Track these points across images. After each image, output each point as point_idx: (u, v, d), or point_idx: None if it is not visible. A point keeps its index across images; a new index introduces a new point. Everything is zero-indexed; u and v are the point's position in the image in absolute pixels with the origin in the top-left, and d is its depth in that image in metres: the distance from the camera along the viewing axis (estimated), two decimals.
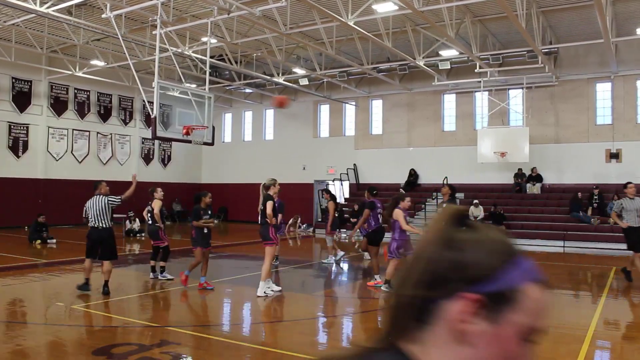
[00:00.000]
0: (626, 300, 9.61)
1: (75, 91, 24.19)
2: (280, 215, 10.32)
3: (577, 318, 7.87)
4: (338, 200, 24.31)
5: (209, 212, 9.65)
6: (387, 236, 12.40)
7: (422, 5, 13.14)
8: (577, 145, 20.61)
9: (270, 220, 8.69)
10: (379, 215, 10.00)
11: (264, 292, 8.79)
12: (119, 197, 9.09)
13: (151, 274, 10.44)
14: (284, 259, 13.87)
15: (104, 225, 8.79)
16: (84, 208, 8.97)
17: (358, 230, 13.49)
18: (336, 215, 13.40)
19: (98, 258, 8.93)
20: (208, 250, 9.52)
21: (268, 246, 8.79)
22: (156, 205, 10.35)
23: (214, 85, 23.98)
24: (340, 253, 13.38)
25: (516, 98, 21.97)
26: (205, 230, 9.37)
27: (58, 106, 23.58)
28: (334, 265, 13.03)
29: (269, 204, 8.66)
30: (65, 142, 23.90)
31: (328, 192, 13.98)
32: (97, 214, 8.78)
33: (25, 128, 22.48)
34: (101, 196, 8.91)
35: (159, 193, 10.61)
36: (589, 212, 18.67)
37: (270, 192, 8.87)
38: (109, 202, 8.87)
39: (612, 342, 6.68)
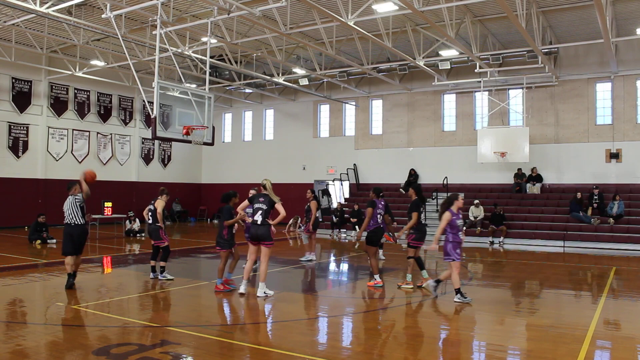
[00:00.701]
0: (626, 300, 9.61)
1: (75, 91, 24.20)
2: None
3: (577, 318, 7.88)
4: (339, 200, 24.47)
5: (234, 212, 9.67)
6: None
7: (422, 5, 13.14)
8: (577, 145, 20.63)
9: (273, 222, 8.74)
10: (378, 216, 9.95)
11: (264, 293, 8.81)
12: (80, 196, 9.55)
13: (151, 274, 10.45)
14: (285, 259, 13.89)
15: (76, 222, 9.40)
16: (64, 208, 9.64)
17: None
18: (317, 215, 13.61)
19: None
20: (236, 247, 9.61)
21: (269, 247, 8.79)
22: (159, 205, 10.36)
23: (214, 85, 24.00)
24: (311, 255, 13.54)
25: (516, 98, 21.99)
26: (234, 230, 9.44)
27: (58, 106, 23.59)
28: (308, 262, 13.26)
29: (281, 205, 8.72)
30: (65, 142, 23.91)
31: (312, 192, 14.18)
32: (70, 213, 9.42)
33: (25, 128, 22.49)
34: (72, 196, 9.54)
35: (167, 195, 10.67)
36: (589, 212, 18.67)
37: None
38: (76, 200, 9.51)
39: (612, 342, 6.68)
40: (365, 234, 10.15)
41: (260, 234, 8.73)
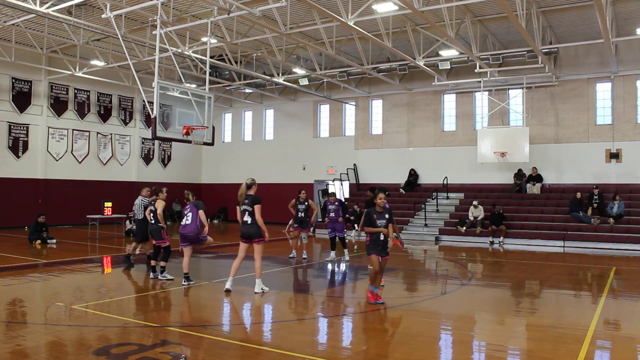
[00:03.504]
0: (626, 300, 9.62)
1: (75, 91, 24.20)
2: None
3: (577, 318, 7.88)
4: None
5: (387, 215, 8.20)
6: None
7: (422, 5, 13.14)
8: (577, 145, 20.63)
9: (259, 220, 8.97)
10: None
11: (261, 289, 9.07)
12: (147, 200, 11.91)
13: (151, 274, 10.46)
14: (284, 259, 13.89)
15: (138, 218, 12.16)
16: None
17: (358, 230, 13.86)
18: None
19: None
20: (385, 259, 8.29)
21: (261, 244, 9.05)
22: (159, 205, 10.39)
23: (214, 85, 24.00)
24: (292, 253, 14.13)
25: (516, 98, 21.99)
26: (382, 237, 8.15)
27: (58, 106, 23.59)
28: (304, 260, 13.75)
29: (259, 207, 8.92)
30: (65, 142, 23.91)
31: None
32: (135, 210, 12.33)
33: (25, 128, 22.49)
34: (141, 197, 12.10)
35: (164, 194, 10.71)
36: (589, 212, 18.67)
37: (252, 192, 9.08)
38: (142, 201, 12.06)
39: (612, 342, 6.68)
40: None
41: (252, 232, 8.96)
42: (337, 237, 13.70)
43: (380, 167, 24.62)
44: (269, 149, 28.05)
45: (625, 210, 18.32)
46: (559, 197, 20.30)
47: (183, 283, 9.76)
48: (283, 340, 6.49)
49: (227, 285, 9.15)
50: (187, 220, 9.87)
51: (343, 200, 17.31)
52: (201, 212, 9.87)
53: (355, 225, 20.09)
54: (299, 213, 13.69)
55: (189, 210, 9.95)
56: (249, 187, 9.09)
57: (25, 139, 22.52)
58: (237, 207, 9.16)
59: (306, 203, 13.83)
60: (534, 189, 20.94)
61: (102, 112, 25.37)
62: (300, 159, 26.93)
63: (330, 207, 13.73)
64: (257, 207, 8.90)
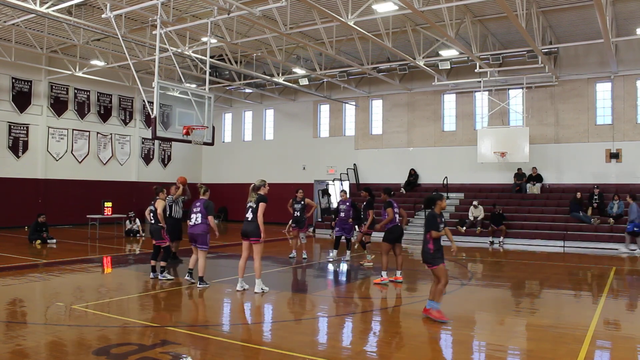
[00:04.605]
0: (626, 300, 9.61)
1: (75, 91, 24.20)
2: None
3: (577, 318, 7.87)
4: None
5: (443, 219, 7.56)
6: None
7: (422, 5, 13.14)
8: (577, 145, 20.63)
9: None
10: (396, 215, 10.19)
11: (261, 289, 9.09)
12: (172, 201, 11.63)
13: (151, 273, 10.45)
14: (284, 259, 13.89)
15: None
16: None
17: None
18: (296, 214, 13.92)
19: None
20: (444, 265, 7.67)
21: (258, 243, 9.04)
22: (159, 205, 10.40)
23: (214, 85, 24.00)
24: (292, 253, 14.22)
25: (516, 98, 21.99)
26: (442, 243, 7.57)
27: (58, 106, 23.58)
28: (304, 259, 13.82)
29: (263, 206, 8.93)
30: (65, 142, 23.90)
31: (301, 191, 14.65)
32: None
33: (25, 128, 22.48)
34: (169, 196, 11.34)
35: (165, 194, 10.72)
36: (589, 212, 18.66)
37: (262, 192, 9.10)
38: (167, 201, 11.18)
39: (612, 342, 6.68)
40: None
41: (249, 230, 9.00)
42: (343, 238, 13.71)
43: (380, 167, 24.62)
44: (269, 149, 28.05)
45: (625, 210, 18.30)
46: (559, 197, 20.30)
47: (198, 285, 9.64)
48: (283, 340, 6.49)
49: (239, 287, 9.22)
50: (197, 220, 9.57)
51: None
52: (210, 218, 9.53)
53: (356, 226, 20.12)
54: (295, 212, 13.74)
55: (198, 209, 9.58)
56: (255, 189, 9.13)
57: (25, 139, 22.52)
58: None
59: (302, 202, 13.87)
60: (534, 189, 20.94)
61: (102, 112, 25.36)
62: (300, 159, 26.93)
63: (341, 206, 13.76)
64: (261, 205, 8.91)
